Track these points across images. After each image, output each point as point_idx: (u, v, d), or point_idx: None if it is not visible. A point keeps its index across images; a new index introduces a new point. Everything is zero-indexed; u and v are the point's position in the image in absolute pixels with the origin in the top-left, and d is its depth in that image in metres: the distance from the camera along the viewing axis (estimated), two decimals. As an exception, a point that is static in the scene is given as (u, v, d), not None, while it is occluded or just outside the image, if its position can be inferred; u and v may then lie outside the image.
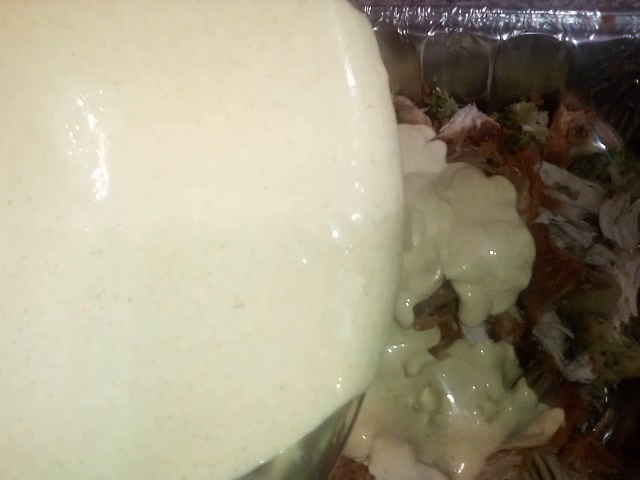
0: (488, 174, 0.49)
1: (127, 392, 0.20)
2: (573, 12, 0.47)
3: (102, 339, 0.20)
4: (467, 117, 0.53)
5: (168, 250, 0.21)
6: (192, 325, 0.22)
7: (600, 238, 0.49)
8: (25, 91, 0.20)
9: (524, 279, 0.44)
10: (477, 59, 0.51)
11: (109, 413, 0.20)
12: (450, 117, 0.55)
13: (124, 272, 0.20)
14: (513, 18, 0.48)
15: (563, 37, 0.47)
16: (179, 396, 0.21)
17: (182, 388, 0.21)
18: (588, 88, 0.51)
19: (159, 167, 0.21)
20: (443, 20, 0.49)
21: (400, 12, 0.51)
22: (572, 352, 0.49)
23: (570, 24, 0.47)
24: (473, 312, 0.45)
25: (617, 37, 0.46)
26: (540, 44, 0.48)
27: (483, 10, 0.49)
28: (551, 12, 0.47)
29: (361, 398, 0.26)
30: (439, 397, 0.46)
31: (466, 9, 0.49)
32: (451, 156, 0.51)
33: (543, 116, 0.53)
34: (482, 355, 0.46)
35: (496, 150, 0.49)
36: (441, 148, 0.52)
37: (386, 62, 0.54)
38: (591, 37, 0.47)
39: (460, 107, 0.55)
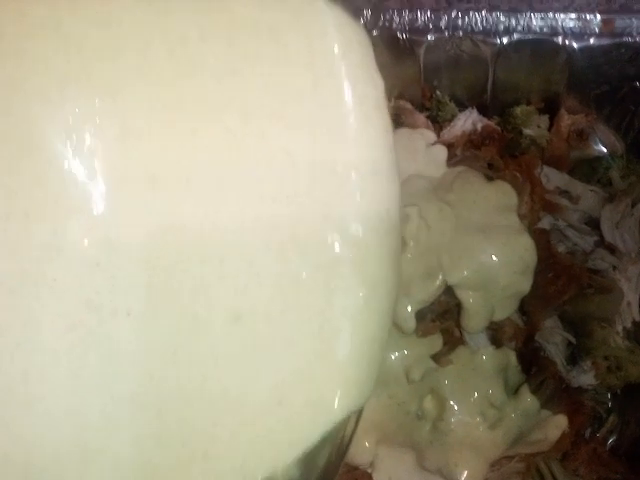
0: (489, 178, 0.48)
1: (126, 408, 0.20)
2: (573, 15, 0.47)
3: (100, 353, 0.20)
4: (468, 121, 0.53)
5: (165, 261, 0.21)
6: (190, 339, 0.21)
7: (602, 242, 0.48)
8: (22, 104, 0.20)
9: (526, 285, 0.44)
10: (477, 62, 0.51)
11: (108, 431, 0.20)
12: (451, 121, 0.54)
13: (122, 284, 0.20)
14: (513, 21, 0.48)
15: (563, 40, 0.47)
16: (177, 413, 0.21)
17: (180, 404, 0.21)
18: (589, 91, 0.51)
19: (156, 178, 0.21)
20: (443, 24, 0.49)
21: (400, 15, 0.50)
22: (575, 358, 0.48)
23: (570, 27, 0.47)
24: (475, 318, 0.45)
25: (617, 40, 0.46)
26: (540, 47, 0.48)
27: (483, 13, 0.48)
28: (551, 15, 0.47)
29: (360, 410, 0.26)
30: (442, 404, 0.46)
31: (466, 12, 0.49)
32: (452, 160, 0.51)
33: (544, 120, 0.52)
34: (484, 361, 0.46)
35: (497, 154, 0.49)
36: (442, 152, 0.52)
37: (386, 66, 0.54)
38: (591, 40, 0.47)
39: (461, 111, 0.55)
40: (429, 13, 0.49)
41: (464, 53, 0.50)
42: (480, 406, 0.45)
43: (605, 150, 0.53)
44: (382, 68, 0.54)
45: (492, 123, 0.52)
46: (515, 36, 0.48)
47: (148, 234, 0.21)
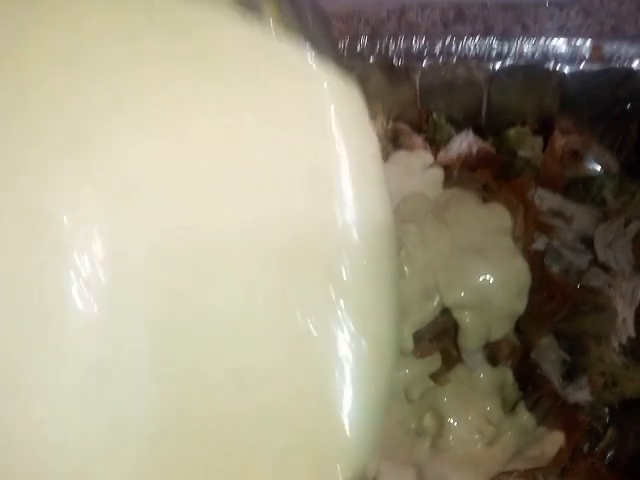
0: (484, 200, 0.50)
1: (131, 474, 0.20)
2: (564, 41, 0.48)
3: (107, 419, 0.20)
4: (463, 143, 0.54)
5: (171, 327, 0.21)
6: (195, 405, 0.21)
7: (596, 261, 0.49)
8: (24, 176, 0.20)
9: (520, 305, 0.45)
10: (471, 87, 0.52)
11: None
12: (448, 142, 0.56)
13: (128, 347, 0.20)
14: (505, 47, 0.49)
15: (554, 66, 0.48)
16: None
17: (186, 476, 0.21)
18: (581, 113, 0.52)
19: (159, 240, 0.21)
20: (437, 50, 0.51)
21: (395, 42, 0.52)
22: (571, 374, 0.49)
23: (560, 53, 0.48)
24: (472, 338, 0.46)
25: (606, 65, 0.47)
26: (532, 72, 0.49)
27: (476, 41, 0.50)
28: (542, 41, 0.48)
29: (365, 471, 0.26)
30: (441, 421, 0.47)
31: (459, 39, 0.50)
32: (448, 182, 0.53)
33: (538, 141, 0.54)
34: (482, 380, 0.47)
35: (491, 176, 0.50)
36: (438, 174, 0.53)
37: (383, 90, 0.56)
38: (581, 65, 0.48)
39: (457, 132, 0.56)
40: (423, 40, 0.51)
41: (458, 78, 0.51)
42: (478, 423, 0.46)
43: (599, 169, 0.54)
44: (379, 92, 0.56)
45: (487, 145, 0.54)
46: (507, 62, 0.49)
47: (152, 295, 0.21)
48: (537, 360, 0.48)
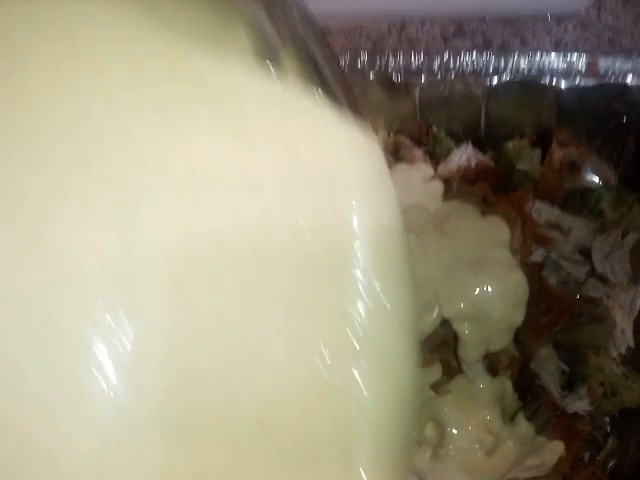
0: (483, 213, 0.51)
1: None
2: (559, 57, 0.49)
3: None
4: (463, 156, 0.55)
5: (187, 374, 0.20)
6: (217, 456, 0.21)
7: (594, 272, 0.50)
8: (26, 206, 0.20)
9: (518, 317, 0.46)
10: (469, 101, 0.53)
11: None
12: (447, 155, 0.57)
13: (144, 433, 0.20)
14: (502, 63, 0.50)
15: (550, 81, 0.49)
16: None
17: None
18: (579, 126, 0.53)
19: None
20: (435, 66, 0.52)
21: (395, 59, 0.53)
22: (570, 384, 0.50)
23: (556, 68, 0.49)
24: (471, 349, 0.47)
25: (601, 80, 0.48)
26: (528, 87, 0.50)
27: (473, 56, 0.51)
28: (537, 57, 0.49)
29: None
30: (442, 431, 0.48)
31: (457, 55, 0.51)
32: (448, 194, 0.54)
33: (536, 153, 0.54)
34: (481, 390, 0.48)
35: (490, 189, 0.51)
36: (438, 187, 0.54)
37: (383, 104, 0.57)
38: (577, 80, 0.49)
39: (457, 145, 0.57)
40: (422, 56, 0.52)
41: (456, 93, 0.53)
42: (478, 433, 0.47)
43: (597, 181, 0.55)
44: (380, 106, 0.57)
45: (486, 159, 0.54)
46: (504, 77, 0.50)
47: (164, 382, 0.20)
48: (536, 370, 0.48)
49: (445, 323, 0.47)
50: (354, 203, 0.24)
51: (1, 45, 0.21)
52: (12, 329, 0.20)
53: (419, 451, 0.48)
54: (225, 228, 0.22)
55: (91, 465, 0.19)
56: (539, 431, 0.47)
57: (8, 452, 0.19)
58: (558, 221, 0.50)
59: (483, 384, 0.48)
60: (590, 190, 0.53)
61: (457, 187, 0.53)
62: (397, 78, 0.53)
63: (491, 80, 0.51)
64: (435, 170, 0.56)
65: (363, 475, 0.23)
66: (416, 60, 0.52)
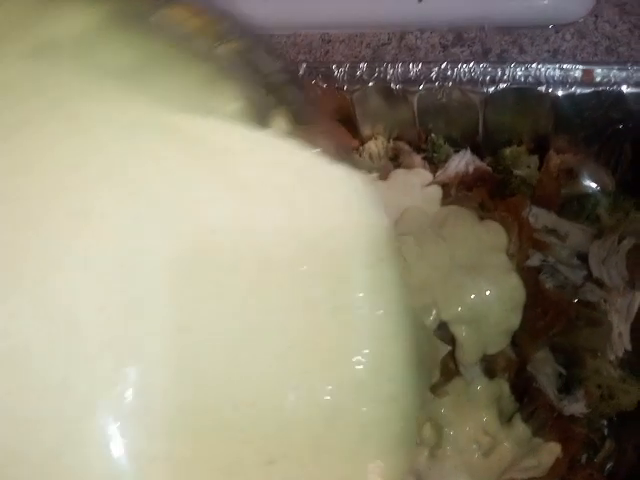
0: (481, 218, 0.51)
1: None
2: (556, 66, 0.50)
3: None
4: (461, 162, 0.56)
5: (199, 416, 0.22)
6: None
7: (590, 276, 0.51)
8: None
9: (515, 320, 0.47)
10: (467, 109, 0.54)
11: None
12: (446, 161, 0.58)
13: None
14: (499, 72, 0.51)
15: (546, 89, 0.50)
16: None
17: None
18: (576, 133, 0.54)
19: None
20: (433, 75, 0.53)
21: (393, 68, 0.54)
22: (567, 387, 0.50)
23: (552, 76, 0.50)
24: (469, 352, 0.47)
25: (597, 89, 0.49)
26: (525, 96, 0.51)
27: (471, 65, 0.52)
28: (534, 66, 0.50)
29: None
30: (439, 432, 0.48)
31: (454, 64, 0.52)
32: (446, 200, 0.54)
33: (533, 160, 0.55)
34: (479, 392, 0.48)
35: (487, 195, 0.52)
36: (437, 192, 0.55)
37: (383, 111, 0.58)
38: (573, 89, 0.50)
39: (456, 151, 0.58)
40: (420, 65, 0.53)
41: (454, 101, 0.53)
42: (475, 434, 0.48)
43: (595, 187, 0.55)
44: (379, 113, 0.58)
45: (484, 164, 0.55)
46: (501, 85, 0.51)
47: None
48: (533, 373, 0.49)
49: (443, 326, 0.48)
50: (352, 243, 0.25)
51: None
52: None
53: (417, 451, 0.49)
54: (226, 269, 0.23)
55: None
56: (536, 433, 0.48)
57: None
58: (555, 226, 0.51)
59: (480, 386, 0.48)
60: (587, 196, 0.54)
61: (455, 192, 0.54)
62: (396, 86, 0.54)
63: (488, 89, 0.51)
64: (434, 176, 0.57)
65: None
66: (414, 68, 0.53)
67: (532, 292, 0.47)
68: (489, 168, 0.55)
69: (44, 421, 0.20)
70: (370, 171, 0.58)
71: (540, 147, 0.56)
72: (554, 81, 0.50)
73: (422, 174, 0.57)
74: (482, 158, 0.57)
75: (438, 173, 0.56)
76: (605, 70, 0.49)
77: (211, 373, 0.22)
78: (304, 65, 0.57)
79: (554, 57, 0.59)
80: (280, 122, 0.26)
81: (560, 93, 0.50)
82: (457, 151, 0.57)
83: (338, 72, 0.55)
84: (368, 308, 0.25)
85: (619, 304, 0.51)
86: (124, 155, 0.23)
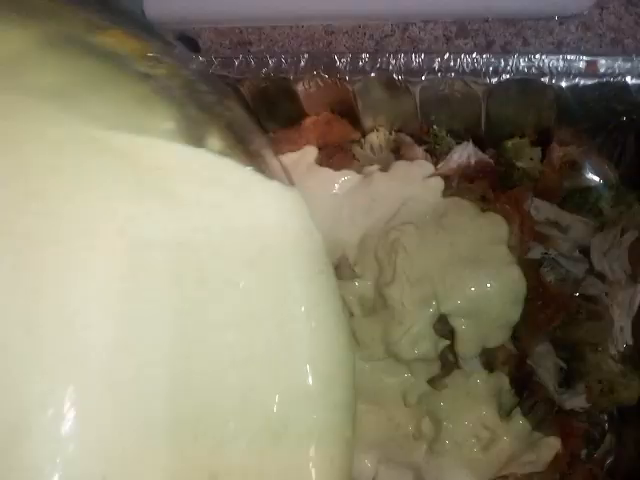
0: (482, 210, 0.51)
1: None
2: (559, 57, 0.49)
3: None
4: (463, 154, 0.56)
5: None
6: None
7: (592, 270, 0.50)
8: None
9: (515, 314, 0.46)
10: (469, 100, 0.53)
11: None
12: (448, 154, 0.57)
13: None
14: (502, 63, 0.51)
15: (550, 80, 0.49)
16: None
17: None
18: (579, 125, 0.53)
19: None
20: (436, 66, 0.52)
21: (396, 59, 0.54)
22: (568, 381, 0.50)
23: (556, 67, 0.50)
24: (468, 344, 0.47)
25: (601, 80, 0.48)
26: (528, 87, 0.50)
27: (474, 56, 0.51)
28: (537, 57, 0.50)
29: None
30: (438, 426, 0.48)
31: (457, 55, 0.52)
32: (447, 192, 0.54)
33: (536, 152, 0.55)
34: (478, 385, 0.48)
35: (489, 187, 0.51)
36: (439, 183, 0.55)
37: (385, 103, 0.57)
38: (576, 79, 0.49)
39: (458, 143, 0.58)
40: (423, 56, 0.53)
41: (457, 92, 0.53)
42: (474, 428, 0.47)
43: (598, 179, 0.55)
44: (381, 105, 0.58)
45: (486, 157, 0.55)
46: (504, 76, 0.51)
47: None
48: (533, 367, 0.49)
49: (442, 318, 0.47)
50: (290, 258, 0.26)
51: None
52: None
53: (415, 445, 0.49)
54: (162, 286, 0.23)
55: None
56: (535, 427, 0.47)
57: None
58: (557, 219, 0.50)
59: (480, 380, 0.48)
60: (589, 188, 0.53)
61: (457, 184, 0.53)
62: (398, 77, 0.53)
63: (491, 80, 0.51)
64: (435, 168, 0.56)
65: None
66: (417, 59, 0.53)
67: (533, 285, 0.47)
68: (491, 160, 0.55)
69: None
70: (371, 163, 0.58)
71: (543, 139, 0.55)
72: (557, 72, 0.49)
73: (424, 166, 0.56)
74: (484, 150, 0.57)
75: (440, 165, 0.55)
76: (609, 61, 0.48)
77: (150, 390, 0.22)
78: (306, 56, 0.56)
79: (558, 49, 0.59)
80: (214, 141, 0.27)
81: (563, 84, 0.50)
82: (459, 143, 0.57)
83: (340, 63, 0.55)
84: (314, 320, 0.26)
85: (621, 298, 0.51)
86: (52, 171, 0.23)
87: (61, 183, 0.23)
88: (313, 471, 0.24)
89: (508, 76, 0.51)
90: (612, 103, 0.50)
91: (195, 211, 0.24)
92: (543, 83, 0.50)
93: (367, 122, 0.60)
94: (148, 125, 0.25)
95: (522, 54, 0.50)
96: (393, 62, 0.53)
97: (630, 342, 0.51)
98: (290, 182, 0.29)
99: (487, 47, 0.63)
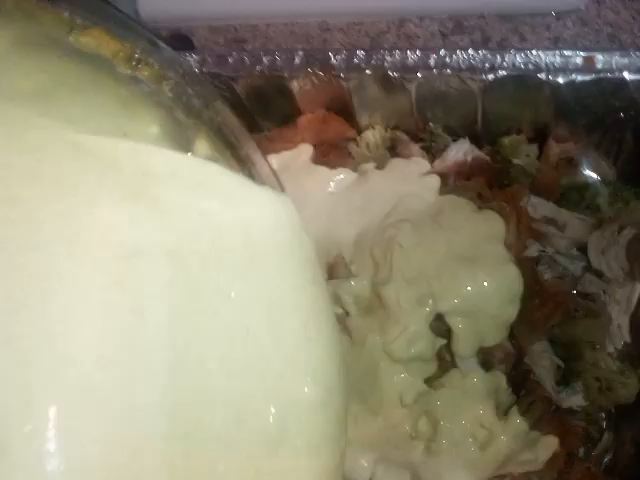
0: (479, 208, 0.51)
1: None
2: (556, 52, 0.49)
3: None
4: (459, 151, 0.55)
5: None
6: None
7: (590, 267, 0.50)
8: None
9: (512, 312, 0.46)
10: (466, 97, 0.53)
11: None
12: (444, 151, 0.57)
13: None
14: (498, 59, 0.50)
15: (547, 76, 0.49)
16: None
17: None
18: (576, 121, 0.53)
19: None
20: (432, 62, 0.52)
21: (391, 55, 0.53)
22: (565, 379, 0.50)
23: (553, 63, 0.49)
24: (465, 344, 0.47)
25: (599, 75, 0.48)
26: (524, 83, 0.50)
27: (470, 52, 0.51)
28: (534, 53, 0.49)
29: None
30: (435, 425, 0.48)
31: (453, 52, 0.51)
32: (444, 189, 0.54)
33: (533, 149, 0.54)
34: (475, 384, 0.48)
35: (486, 185, 0.51)
36: (435, 181, 0.54)
37: (381, 100, 0.57)
38: (573, 75, 0.49)
39: (454, 141, 0.57)
40: (418, 52, 0.52)
41: (452, 89, 0.52)
42: (471, 427, 0.47)
43: (596, 176, 0.55)
44: (377, 102, 0.57)
45: (482, 154, 0.54)
46: (500, 73, 0.50)
47: None
48: (531, 365, 0.48)
49: (439, 317, 0.47)
50: (283, 267, 0.25)
51: None
52: None
53: (412, 445, 0.49)
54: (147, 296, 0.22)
55: None
56: (533, 426, 0.47)
57: None
58: (554, 216, 0.50)
59: (477, 378, 0.48)
60: (587, 185, 0.53)
61: (453, 182, 0.53)
62: (394, 73, 0.53)
63: (487, 76, 0.50)
64: (432, 165, 0.56)
65: None
66: (413, 55, 0.52)
67: (530, 283, 0.47)
68: (488, 157, 0.54)
69: None
70: (367, 161, 0.58)
71: (540, 136, 0.55)
72: (554, 68, 0.49)
73: (420, 163, 0.56)
74: (481, 147, 0.56)
75: (436, 162, 0.55)
76: (606, 56, 0.47)
77: (140, 406, 0.21)
78: (301, 53, 0.55)
79: (555, 45, 0.58)
80: (202, 145, 0.26)
81: (560, 80, 0.49)
82: (455, 140, 0.57)
83: (335, 59, 0.54)
84: (310, 330, 0.25)
85: (619, 295, 0.50)
86: (30, 176, 0.22)
87: (40, 189, 0.22)
88: None
89: (505, 72, 0.50)
90: (610, 99, 0.50)
91: (182, 218, 0.23)
92: (540, 79, 0.50)
93: (363, 119, 0.59)
94: (132, 129, 0.24)
95: (519, 50, 0.50)
96: (389, 59, 0.53)
97: (628, 340, 0.51)
98: (281, 188, 0.28)
99: (483, 43, 0.63)
